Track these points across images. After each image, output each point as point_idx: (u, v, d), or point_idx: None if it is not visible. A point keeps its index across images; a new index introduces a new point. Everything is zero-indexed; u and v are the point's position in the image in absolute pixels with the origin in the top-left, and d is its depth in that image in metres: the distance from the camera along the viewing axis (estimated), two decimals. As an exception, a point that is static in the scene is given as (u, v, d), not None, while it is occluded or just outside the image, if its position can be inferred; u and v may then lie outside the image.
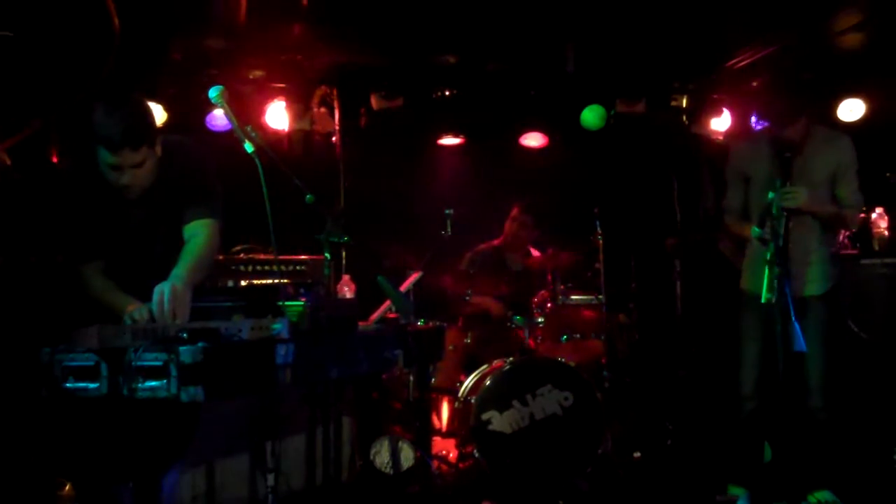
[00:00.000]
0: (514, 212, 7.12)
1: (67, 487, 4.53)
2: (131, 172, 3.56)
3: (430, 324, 5.34)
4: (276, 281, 4.28)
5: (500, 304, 6.58)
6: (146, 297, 3.35)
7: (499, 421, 5.62)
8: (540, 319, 6.41)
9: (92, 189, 3.65)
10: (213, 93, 3.51)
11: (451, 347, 6.33)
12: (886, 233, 6.30)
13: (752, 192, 5.06)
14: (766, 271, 4.57)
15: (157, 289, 3.29)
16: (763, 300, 4.60)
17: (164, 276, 3.44)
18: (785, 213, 4.61)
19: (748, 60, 6.93)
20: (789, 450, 4.78)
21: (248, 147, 3.46)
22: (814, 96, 5.04)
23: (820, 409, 4.86)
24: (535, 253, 7.10)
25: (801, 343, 4.26)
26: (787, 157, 4.75)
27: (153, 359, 2.78)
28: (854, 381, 5.93)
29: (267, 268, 5.24)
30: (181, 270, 3.47)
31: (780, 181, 4.66)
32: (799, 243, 4.83)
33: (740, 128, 7.50)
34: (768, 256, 4.51)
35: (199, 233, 3.74)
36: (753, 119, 7.30)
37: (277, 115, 7.03)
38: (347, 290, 4.81)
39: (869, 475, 5.27)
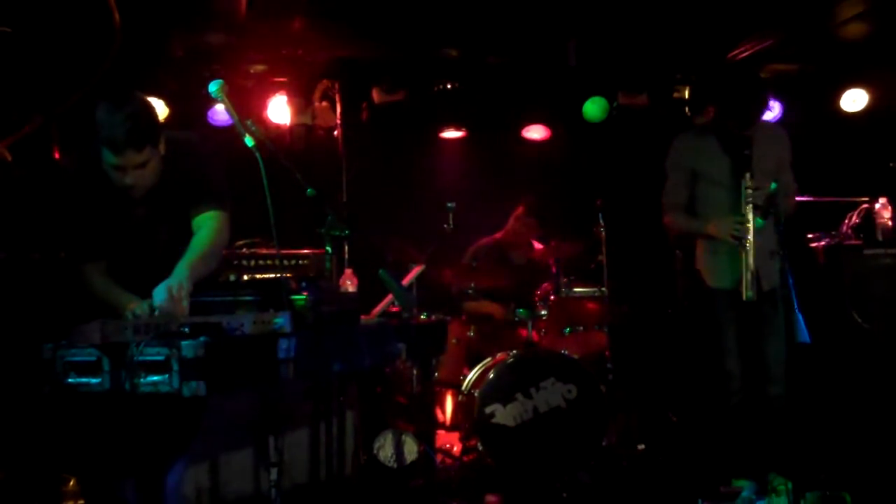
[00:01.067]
0: (519, 212, 7.10)
1: (72, 483, 4.54)
2: (135, 173, 3.54)
3: (433, 317, 5.35)
4: (278, 275, 4.27)
5: (502, 307, 6.56)
6: (149, 295, 3.34)
7: (502, 414, 5.62)
8: (543, 312, 6.40)
9: (95, 188, 3.64)
10: (213, 87, 3.50)
11: (454, 341, 6.33)
12: (890, 223, 6.29)
13: (703, 187, 5.05)
14: (744, 269, 4.63)
15: (156, 292, 3.28)
16: (745, 298, 4.64)
17: (167, 273, 3.43)
18: (754, 210, 4.67)
19: (750, 51, 6.92)
20: (787, 439, 4.79)
21: (249, 141, 3.45)
22: (771, 94, 5.07)
23: (779, 396, 4.89)
24: (538, 245, 7.09)
25: (804, 334, 4.26)
26: (748, 155, 4.78)
27: (155, 353, 2.78)
28: (856, 371, 5.93)
29: (269, 262, 5.25)
30: (182, 267, 3.46)
31: (745, 178, 4.70)
32: (761, 237, 4.84)
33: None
34: (746, 254, 4.59)
35: (204, 225, 3.73)
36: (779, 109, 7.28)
37: (279, 110, 7.02)
38: (350, 284, 4.80)
39: (873, 466, 5.26)
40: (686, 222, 5.12)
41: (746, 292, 4.68)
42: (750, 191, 4.74)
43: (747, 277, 4.69)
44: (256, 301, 3.19)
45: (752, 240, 4.71)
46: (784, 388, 4.88)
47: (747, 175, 4.77)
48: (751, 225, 4.74)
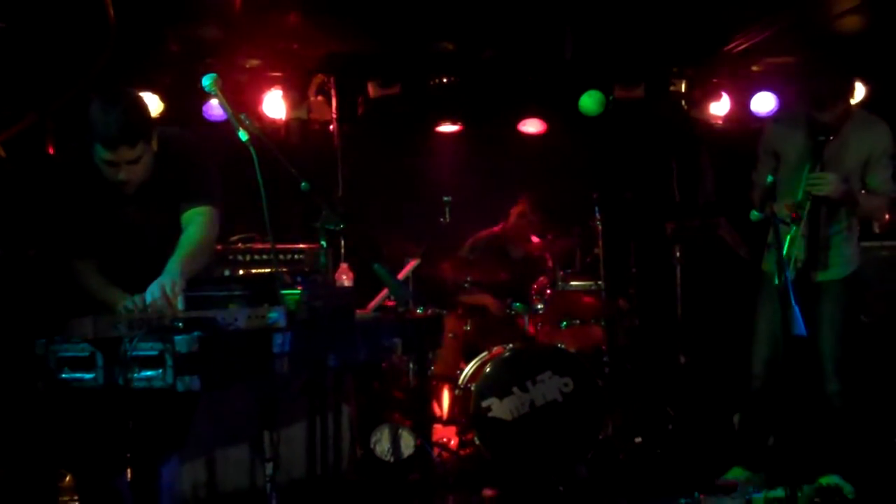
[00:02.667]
0: (523, 206, 7.08)
1: (68, 479, 4.54)
2: (128, 168, 3.54)
3: (429, 311, 5.34)
4: (273, 269, 4.28)
5: (498, 302, 6.55)
6: (141, 291, 3.33)
7: (499, 408, 5.62)
8: (539, 306, 6.40)
9: (87, 183, 3.63)
10: (207, 81, 3.49)
11: (450, 335, 6.32)
12: (887, 215, 6.26)
13: (781, 171, 4.97)
14: (786, 253, 4.57)
15: (149, 290, 3.27)
16: (776, 282, 4.60)
17: (159, 269, 3.42)
18: (811, 199, 4.58)
19: (747, 44, 6.90)
20: (794, 433, 4.78)
21: (243, 135, 3.44)
22: (854, 82, 4.89)
23: (836, 393, 4.85)
24: (535, 239, 7.08)
25: (800, 327, 4.24)
26: (821, 141, 4.67)
27: (149, 348, 2.77)
28: (855, 364, 5.92)
29: (264, 257, 5.25)
30: (173, 264, 3.44)
31: (809, 165, 4.63)
32: (821, 227, 4.80)
33: (740, 112, 7.47)
34: (790, 239, 4.52)
35: (194, 221, 3.72)
36: (775, 102, 7.22)
37: (274, 104, 7.00)
38: (345, 278, 4.80)
39: (871, 458, 5.26)
40: (759, 203, 5.09)
41: (778, 277, 4.62)
42: (810, 180, 4.64)
43: (781, 262, 4.60)
44: (250, 296, 3.18)
45: (801, 227, 4.62)
46: (839, 385, 4.84)
47: (816, 164, 4.69)
48: (804, 214, 4.64)
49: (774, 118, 5.19)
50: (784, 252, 4.50)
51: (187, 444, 3.68)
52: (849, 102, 4.87)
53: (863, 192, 4.87)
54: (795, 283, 4.45)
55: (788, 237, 4.58)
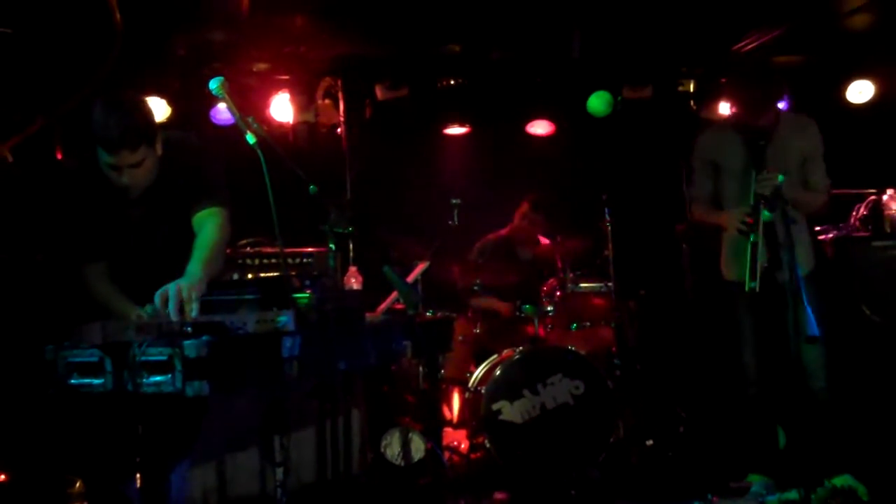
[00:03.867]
0: (524, 208, 7.07)
1: (78, 484, 4.53)
2: (130, 172, 3.54)
3: (439, 314, 5.32)
4: (282, 273, 4.25)
5: (508, 304, 6.53)
6: (150, 296, 3.31)
7: (509, 411, 5.59)
8: (549, 308, 6.38)
9: (94, 188, 3.63)
10: (214, 84, 3.48)
11: (460, 338, 6.30)
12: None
13: (724, 180, 5.04)
14: (749, 260, 4.58)
15: (167, 288, 3.24)
16: (747, 289, 4.60)
17: (168, 274, 3.39)
18: (762, 201, 4.61)
19: (756, 43, 6.87)
20: (804, 435, 4.76)
21: (250, 138, 3.42)
22: (785, 83, 5.04)
23: (821, 389, 4.85)
24: (544, 241, 7.06)
25: (814, 328, 4.22)
26: (762, 145, 4.75)
27: (158, 353, 2.76)
28: (866, 365, 5.89)
29: (273, 261, 5.23)
30: (195, 267, 3.42)
31: (755, 169, 4.66)
32: (780, 227, 4.80)
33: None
34: (752, 245, 4.54)
35: (208, 222, 3.71)
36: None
37: (282, 108, 7.01)
38: (354, 282, 4.78)
39: (887, 459, 5.23)
40: (706, 214, 5.15)
41: (749, 283, 4.63)
42: (759, 182, 4.68)
43: (750, 268, 4.62)
44: (259, 299, 3.16)
45: (760, 231, 4.65)
46: (825, 382, 4.87)
47: (760, 168, 4.71)
48: (760, 216, 4.68)
49: (706, 129, 5.26)
50: (749, 256, 4.56)
51: (197, 449, 3.66)
52: (778, 105, 4.95)
53: (804, 189, 4.96)
54: (761, 287, 4.49)
55: (749, 245, 4.62)
